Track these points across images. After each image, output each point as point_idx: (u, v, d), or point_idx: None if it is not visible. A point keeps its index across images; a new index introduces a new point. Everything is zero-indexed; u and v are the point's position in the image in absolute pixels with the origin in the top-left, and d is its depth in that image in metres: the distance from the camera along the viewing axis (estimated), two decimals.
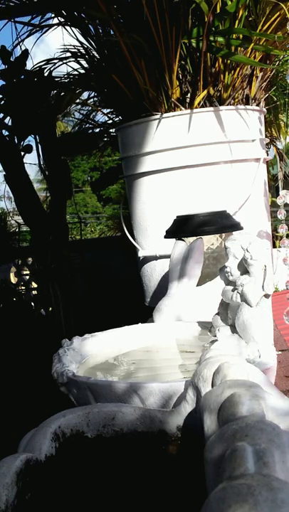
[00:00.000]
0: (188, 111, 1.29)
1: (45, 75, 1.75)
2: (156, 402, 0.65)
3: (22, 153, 1.77)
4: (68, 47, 1.68)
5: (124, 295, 1.28)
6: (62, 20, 1.62)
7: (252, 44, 1.23)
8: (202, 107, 1.30)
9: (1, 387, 1.21)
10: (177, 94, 1.32)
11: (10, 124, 1.75)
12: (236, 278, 0.79)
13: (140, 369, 0.84)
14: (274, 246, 1.83)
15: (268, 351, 0.77)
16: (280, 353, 1.29)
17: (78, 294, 1.80)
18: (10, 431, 0.91)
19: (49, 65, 1.76)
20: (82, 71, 1.68)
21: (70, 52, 1.68)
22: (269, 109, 2.07)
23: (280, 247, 1.28)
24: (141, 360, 0.89)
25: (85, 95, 1.99)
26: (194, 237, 1.11)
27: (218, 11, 1.22)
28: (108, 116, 1.94)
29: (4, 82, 1.73)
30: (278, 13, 1.27)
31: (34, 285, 2.21)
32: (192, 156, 1.29)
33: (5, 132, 1.74)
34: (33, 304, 1.85)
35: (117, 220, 3.47)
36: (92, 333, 0.96)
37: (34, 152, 1.80)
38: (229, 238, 0.80)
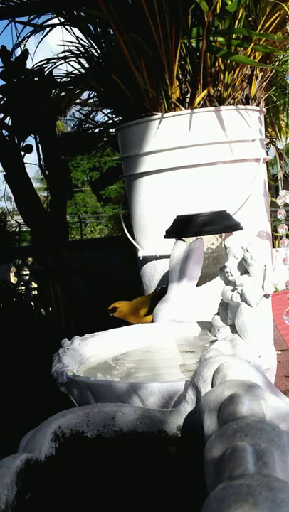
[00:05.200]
0: (188, 111, 1.28)
1: (45, 74, 1.75)
2: (156, 402, 0.65)
3: (22, 153, 1.77)
4: (68, 46, 1.68)
5: (124, 295, 1.28)
6: (63, 20, 1.62)
7: (252, 44, 1.23)
8: (202, 106, 1.30)
9: (1, 387, 1.21)
10: (177, 94, 1.32)
11: (10, 124, 1.75)
12: (236, 278, 0.79)
13: (140, 369, 0.84)
14: (273, 246, 1.83)
15: (267, 351, 0.77)
16: (280, 353, 1.29)
17: (78, 294, 1.80)
18: (10, 431, 0.91)
19: (49, 65, 1.76)
20: (83, 71, 1.68)
21: (70, 51, 1.68)
22: (269, 109, 2.07)
23: (279, 247, 1.28)
24: (141, 360, 0.89)
25: (85, 95, 1.99)
26: (194, 237, 1.11)
27: (218, 10, 1.22)
28: (108, 116, 1.93)
29: (4, 82, 1.73)
30: (278, 13, 1.27)
31: (34, 285, 2.21)
32: (192, 156, 1.29)
33: (5, 132, 1.75)
34: (33, 304, 1.85)
35: (117, 221, 3.47)
36: (92, 333, 0.96)
37: (34, 152, 1.80)
38: (229, 238, 0.80)
